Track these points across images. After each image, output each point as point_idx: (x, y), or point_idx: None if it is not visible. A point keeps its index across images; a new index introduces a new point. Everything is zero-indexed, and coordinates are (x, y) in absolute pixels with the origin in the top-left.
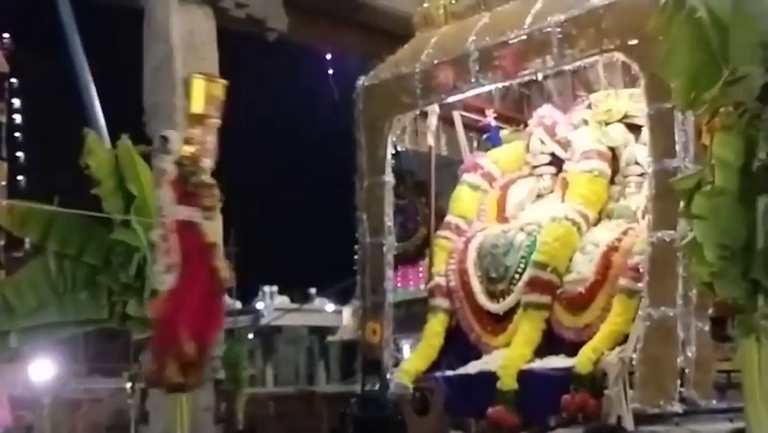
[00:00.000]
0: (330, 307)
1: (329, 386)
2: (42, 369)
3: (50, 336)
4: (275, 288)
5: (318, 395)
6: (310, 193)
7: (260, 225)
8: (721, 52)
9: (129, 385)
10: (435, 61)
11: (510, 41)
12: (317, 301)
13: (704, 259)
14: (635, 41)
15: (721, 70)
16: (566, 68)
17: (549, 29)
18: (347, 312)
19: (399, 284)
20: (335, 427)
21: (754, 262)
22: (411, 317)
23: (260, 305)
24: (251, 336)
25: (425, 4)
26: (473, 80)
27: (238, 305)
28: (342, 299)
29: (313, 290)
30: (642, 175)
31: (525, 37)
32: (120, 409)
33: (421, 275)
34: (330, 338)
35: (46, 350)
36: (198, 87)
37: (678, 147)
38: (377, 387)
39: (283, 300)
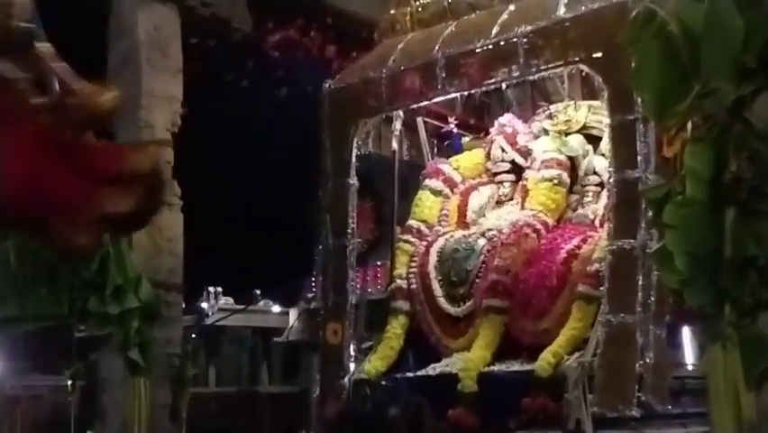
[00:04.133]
0: (276, 308)
1: (272, 387)
2: None
3: (10, 330)
4: (219, 288)
5: (261, 396)
6: (257, 195)
7: (205, 226)
8: (692, 66)
9: (70, 383)
10: (402, 67)
11: (477, 50)
12: (262, 303)
13: (674, 267)
14: (599, 54)
15: (691, 83)
16: (531, 78)
17: (515, 39)
18: (293, 314)
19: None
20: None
21: (722, 270)
22: None
23: (204, 305)
24: (193, 335)
25: (392, 11)
26: (439, 87)
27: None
28: (285, 301)
29: (257, 292)
30: (600, 185)
31: (491, 46)
32: (60, 407)
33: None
34: (276, 339)
35: None
36: None
37: (639, 158)
38: None
39: (227, 301)
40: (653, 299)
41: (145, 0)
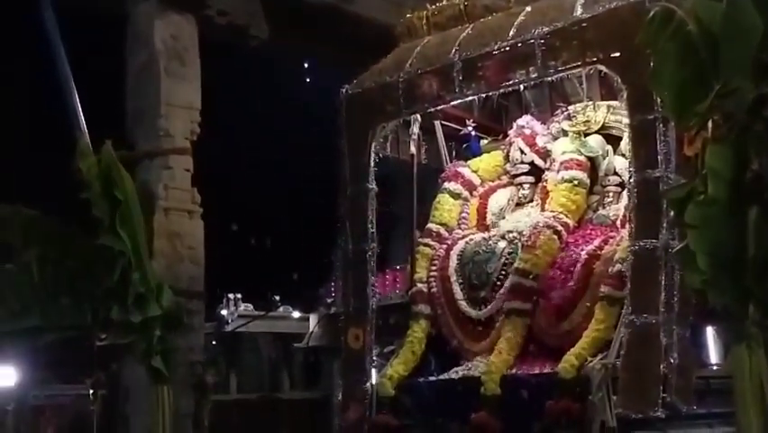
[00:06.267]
0: (296, 314)
1: (293, 393)
2: (6, 376)
3: (34, 341)
4: (239, 295)
5: (282, 402)
6: (274, 203)
7: (224, 233)
8: (711, 65)
9: (91, 392)
10: (419, 71)
11: (494, 52)
12: (282, 309)
13: (696, 267)
14: (617, 54)
15: (710, 83)
16: (549, 79)
17: (532, 41)
18: (313, 319)
19: None
20: None
21: (745, 270)
22: None
23: (223, 312)
24: (213, 342)
25: (408, 15)
26: (457, 90)
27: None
28: (305, 306)
29: (277, 298)
30: (620, 185)
31: (508, 48)
32: (82, 416)
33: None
34: (297, 345)
35: (7, 357)
36: None
37: (660, 158)
38: None
39: (247, 307)
40: (676, 299)
41: (162, 10)
